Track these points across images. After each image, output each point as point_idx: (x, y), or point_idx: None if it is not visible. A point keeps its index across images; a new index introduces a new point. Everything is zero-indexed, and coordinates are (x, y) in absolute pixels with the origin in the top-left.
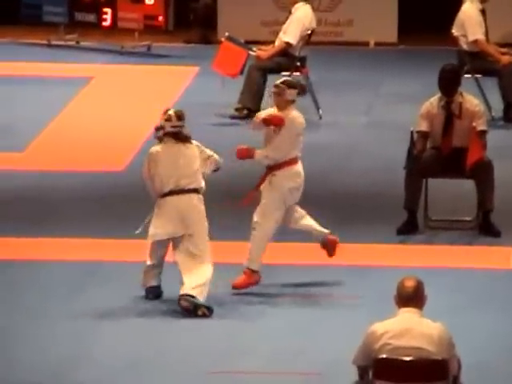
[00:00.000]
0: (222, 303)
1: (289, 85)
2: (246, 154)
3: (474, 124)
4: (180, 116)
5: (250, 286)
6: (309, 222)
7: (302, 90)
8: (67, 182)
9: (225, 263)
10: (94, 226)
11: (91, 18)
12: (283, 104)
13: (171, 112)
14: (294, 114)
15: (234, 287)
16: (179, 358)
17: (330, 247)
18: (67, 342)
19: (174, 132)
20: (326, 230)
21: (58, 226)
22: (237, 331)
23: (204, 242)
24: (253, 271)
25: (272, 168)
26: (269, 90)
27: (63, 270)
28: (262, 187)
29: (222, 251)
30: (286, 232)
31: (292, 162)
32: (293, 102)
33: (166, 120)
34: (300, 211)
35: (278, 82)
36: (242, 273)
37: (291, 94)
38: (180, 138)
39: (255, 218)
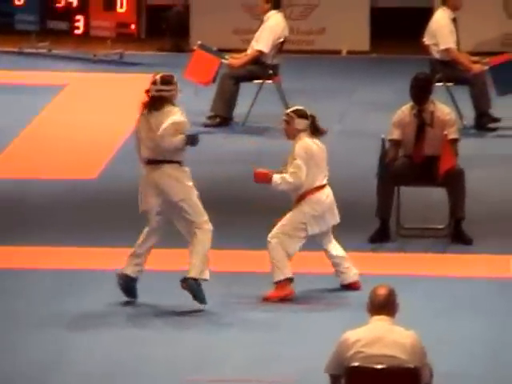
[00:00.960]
0: (198, 312)
1: (298, 114)
2: (263, 178)
3: (445, 132)
4: (164, 80)
5: (282, 298)
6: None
7: (313, 120)
8: (40, 190)
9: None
10: (67, 234)
11: (63, 25)
12: (292, 132)
13: (158, 76)
14: (303, 144)
15: (266, 299)
16: (156, 366)
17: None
18: (46, 348)
19: (155, 97)
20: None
21: (32, 235)
22: (213, 339)
23: (194, 206)
24: (280, 282)
25: (298, 199)
26: (280, 118)
27: (38, 278)
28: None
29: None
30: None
31: (314, 190)
32: (303, 131)
33: (152, 83)
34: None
35: (289, 110)
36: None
37: (300, 123)
38: (156, 105)
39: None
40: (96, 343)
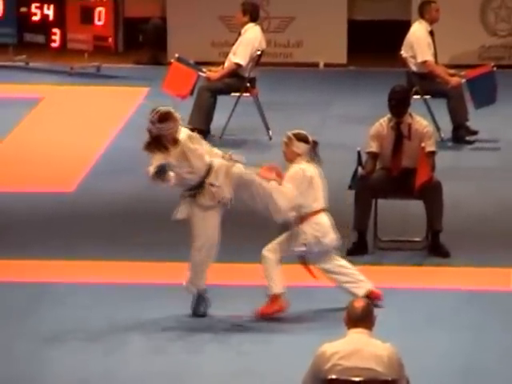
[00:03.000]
0: (173, 326)
1: (298, 137)
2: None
3: (423, 145)
4: (160, 118)
5: (275, 313)
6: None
7: (314, 145)
8: (16, 203)
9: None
10: (43, 248)
11: (40, 38)
12: (290, 155)
13: (155, 114)
14: (298, 166)
15: (258, 315)
16: (129, 379)
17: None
18: (17, 363)
19: (156, 136)
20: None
21: (8, 248)
22: (184, 354)
23: (196, 229)
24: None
25: (299, 220)
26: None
27: (11, 291)
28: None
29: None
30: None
31: (314, 213)
32: (302, 155)
33: (150, 121)
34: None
35: (290, 132)
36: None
37: (299, 146)
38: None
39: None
40: (68, 356)
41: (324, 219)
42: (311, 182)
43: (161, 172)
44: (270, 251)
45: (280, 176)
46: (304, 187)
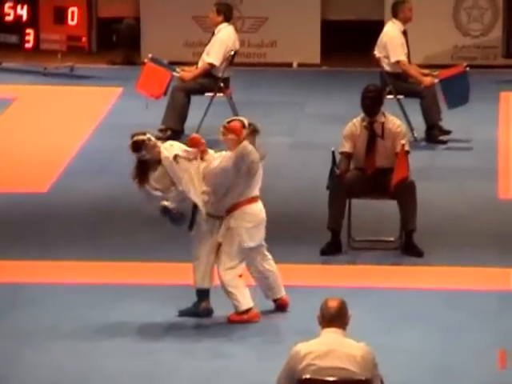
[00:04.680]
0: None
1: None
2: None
3: (403, 142)
4: (135, 147)
5: (245, 322)
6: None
7: (252, 131)
8: None
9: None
10: (15, 248)
11: (13, 39)
12: (229, 143)
13: (130, 144)
14: (242, 145)
15: (230, 321)
16: (102, 381)
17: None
18: None
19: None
20: (283, 291)
21: None
22: (164, 354)
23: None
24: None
25: (231, 208)
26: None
27: None
28: (220, 235)
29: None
30: None
31: (249, 201)
32: (242, 141)
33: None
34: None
35: (225, 121)
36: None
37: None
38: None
39: (219, 267)
40: (42, 358)
41: (258, 209)
42: (250, 165)
43: (168, 214)
44: (220, 265)
45: (204, 151)
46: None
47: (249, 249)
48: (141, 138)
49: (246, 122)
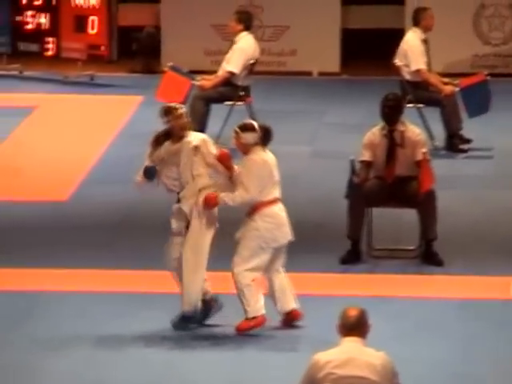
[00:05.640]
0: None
1: (243, 128)
2: (212, 202)
3: (423, 150)
4: (161, 112)
5: (253, 329)
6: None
7: (265, 132)
8: (10, 212)
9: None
10: (34, 257)
11: (34, 47)
12: (241, 148)
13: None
14: (254, 156)
15: (238, 331)
16: None
17: (290, 320)
18: (12, 372)
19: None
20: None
21: (0, 257)
22: (184, 362)
23: None
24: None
25: (249, 212)
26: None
27: (2, 300)
28: (238, 235)
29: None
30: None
31: (266, 204)
32: (254, 145)
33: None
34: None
35: (237, 125)
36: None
37: (245, 137)
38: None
39: (234, 269)
40: (62, 365)
41: (276, 210)
42: (265, 170)
43: (148, 174)
44: (235, 266)
45: (230, 168)
46: (266, 175)
47: (270, 249)
48: (172, 105)
49: (257, 125)
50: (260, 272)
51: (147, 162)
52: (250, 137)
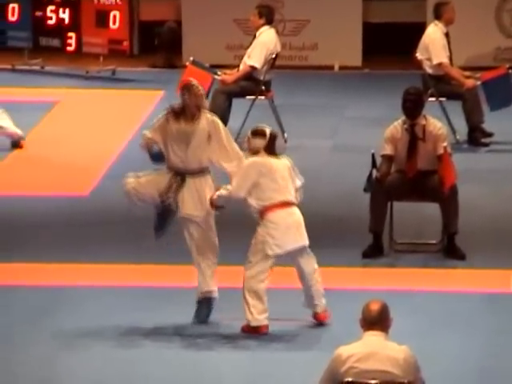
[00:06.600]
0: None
1: (254, 133)
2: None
3: (444, 144)
4: (181, 87)
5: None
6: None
7: (271, 138)
8: (32, 206)
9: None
10: (56, 252)
11: (56, 42)
12: (251, 151)
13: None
14: (251, 158)
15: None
16: (143, 381)
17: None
18: (36, 366)
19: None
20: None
21: (22, 251)
22: (205, 361)
23: None
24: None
25: (257, 217)
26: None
27: (27, 295)
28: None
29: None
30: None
31: (272, 207)
32: (260, 149)
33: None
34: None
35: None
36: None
37: (254, 142)
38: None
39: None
40: (86, 361)
41: (283, 214)
42: (265, 175)
43: (155, 158)
44: (247, 280)
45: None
46: (252, 177)
47: (276, 256)
48: (193, 82)
49: (268, 132)
50: (266, 278)
51: (148, 133)
52: (258, 142)
